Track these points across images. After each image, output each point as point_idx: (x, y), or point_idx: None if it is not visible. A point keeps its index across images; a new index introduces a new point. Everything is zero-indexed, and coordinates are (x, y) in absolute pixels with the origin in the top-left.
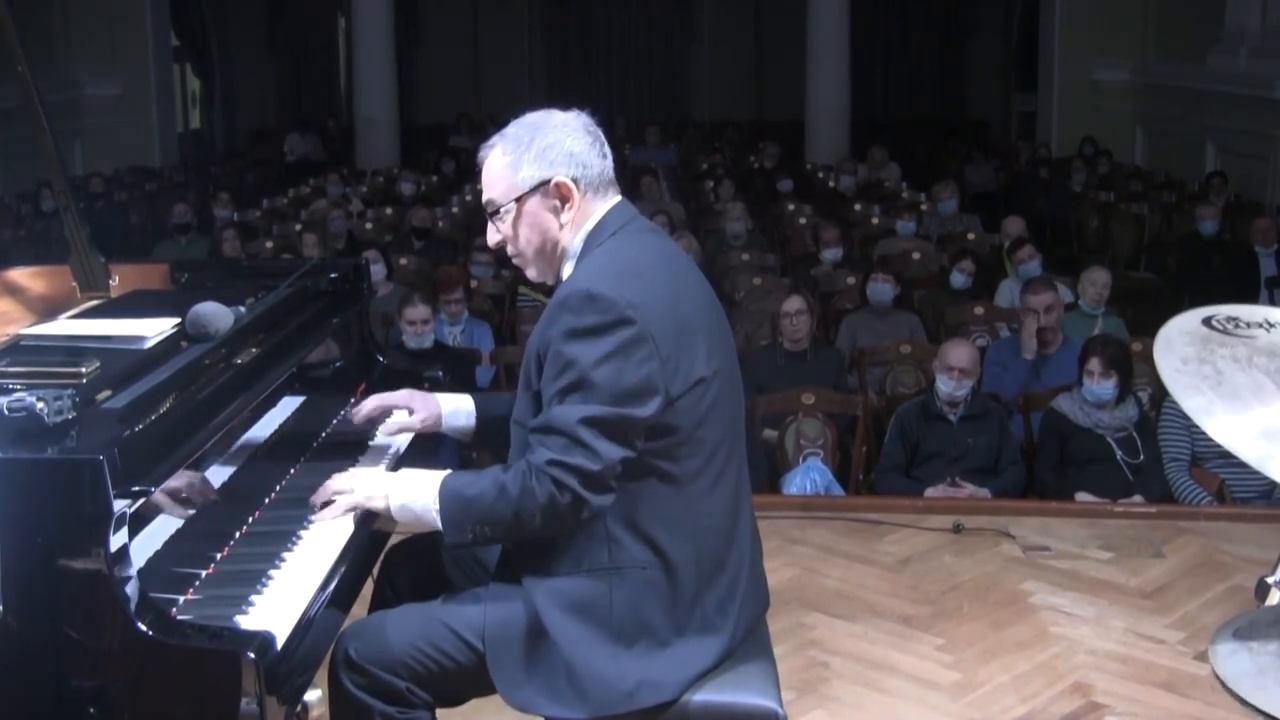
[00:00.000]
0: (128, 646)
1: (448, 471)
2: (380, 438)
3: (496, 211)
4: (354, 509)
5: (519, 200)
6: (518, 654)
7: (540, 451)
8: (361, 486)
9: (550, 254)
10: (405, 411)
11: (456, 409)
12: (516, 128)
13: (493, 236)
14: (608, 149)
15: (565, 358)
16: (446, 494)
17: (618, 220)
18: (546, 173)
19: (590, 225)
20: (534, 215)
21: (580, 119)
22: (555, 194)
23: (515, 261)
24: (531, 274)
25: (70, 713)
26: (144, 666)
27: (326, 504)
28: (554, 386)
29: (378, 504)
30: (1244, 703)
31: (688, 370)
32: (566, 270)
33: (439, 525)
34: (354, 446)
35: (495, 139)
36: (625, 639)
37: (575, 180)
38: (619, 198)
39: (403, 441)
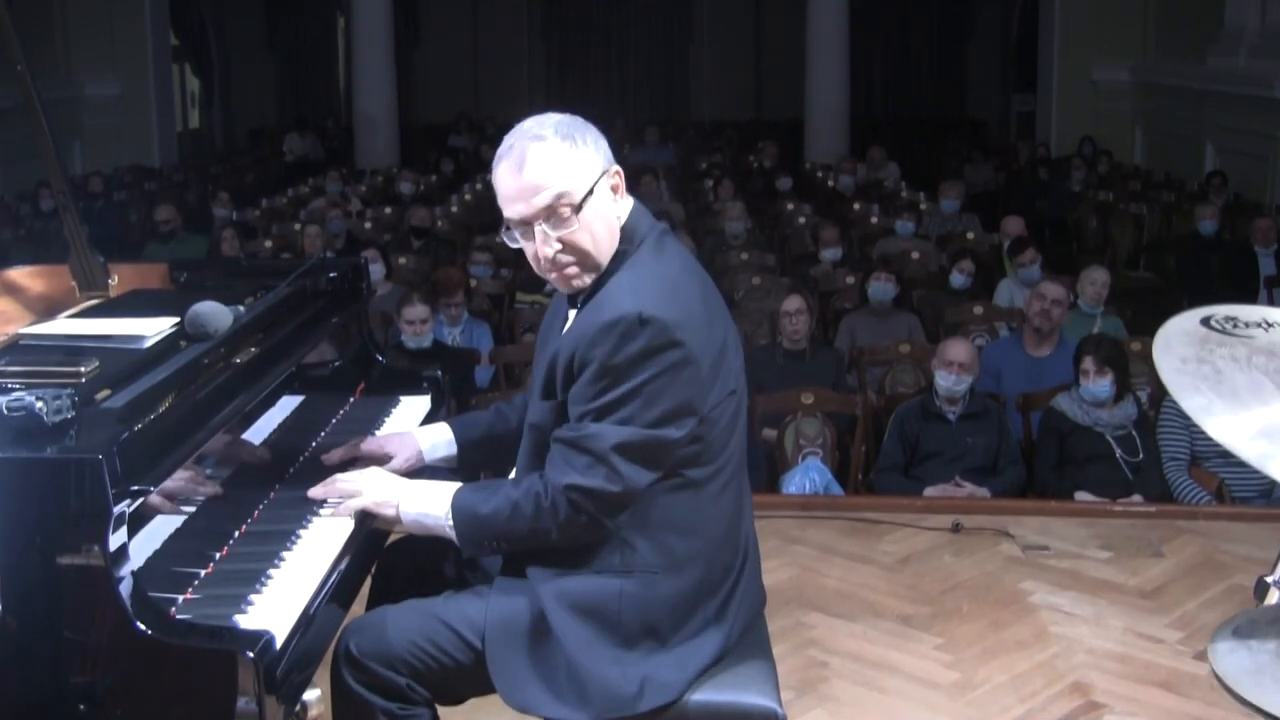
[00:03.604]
0: (126, 646)
1: (458, 485)
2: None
3: (573, 205)
4: (365, 511)
5: (593, 190)
6: (520, 654)
7: (561, 469)
8: (371, 490)
9: (605, 248)
10: (384, 458)
11: (435, 443)
12: (551, 125)
13: (547, 246)
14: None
15: (609, 379)
16: (460, 512)
17: (644, 225)
18: (606, 162)
19: (619, 226)
20: (603, 205)
21: (585, 122)
22: (613, 180)
23: (565, 272)
24: (577, 284)
25: (69, 711)
26: (143, 666)
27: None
28: (591, 404)
29: (388, 511)
30: (1242, 701)
31: (722, 386)
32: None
33: (454, 539)
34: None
35: (539, 131)
36: (629, 642)
37: (617, 173)
38: (631, 199)
39: None
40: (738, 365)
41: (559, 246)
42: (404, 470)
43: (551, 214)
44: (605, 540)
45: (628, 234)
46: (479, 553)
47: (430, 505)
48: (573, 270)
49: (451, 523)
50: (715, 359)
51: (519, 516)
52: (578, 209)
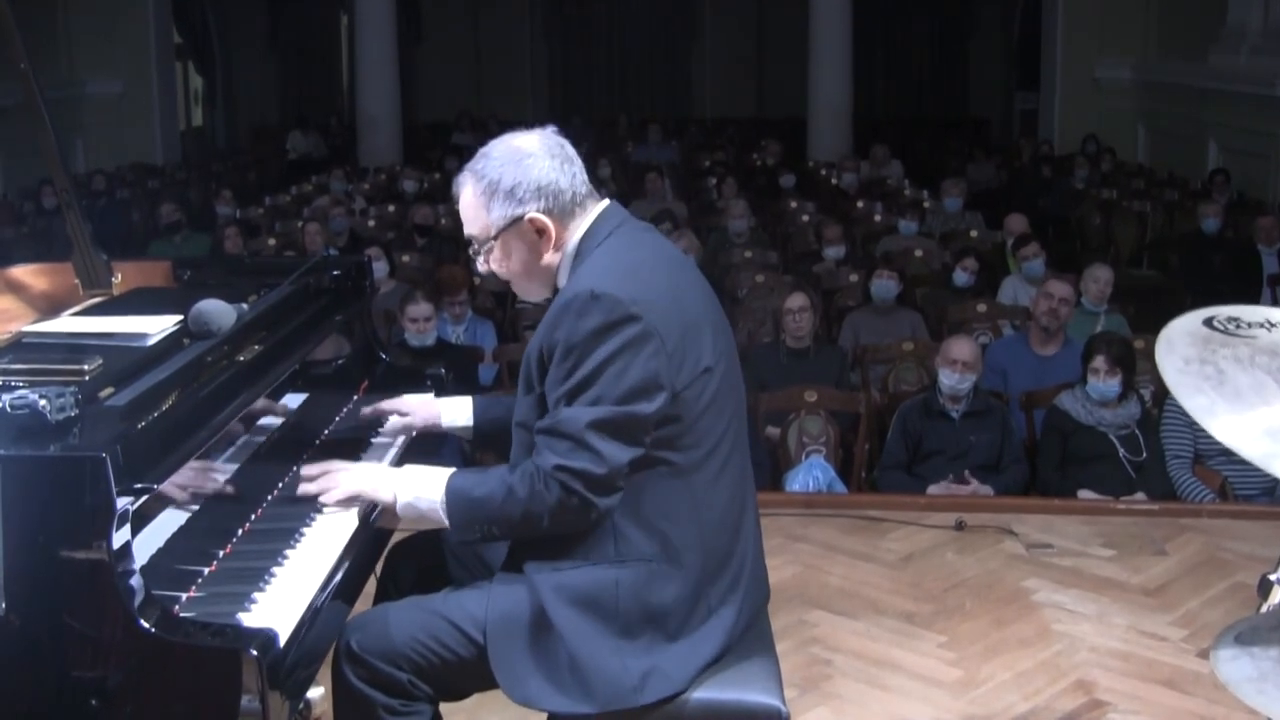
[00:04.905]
0: (130, 644)
1: (453, 470)
2: (382, 437)
3: (479, 248)
4: (357, 497)
5: (496, 238)
6: (521, 648)
7: (546, 455)
8: (366, 478)
9: (539, 275)
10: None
11: (455, 414)
12: (485, 163)
13: (480, 266)
14: (578, 164)
15: (573, 359)
16: (453, 494)
17: (610, 224)
18: (517, 210)
19: (577, 238)
20: (515, 248)
21: (546, 141)
22: (531, 229)
23: (511, 284)
24: (523, 294)
25: (72, 710)
26: (146, 664)
27: (325, 488)
28: (562, 388)
29: (383, 496)
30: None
31: (694, 362)
32: (562, 281)
33: (445, 523)
34: (357, 444)
35: (466, 174)
36: (630, 632)
37: (548, 212)
38: (604, 203)
39: (404, 441)
40: (720, 347)
41: (486, 268)
42: (421, 428)
43: (472, 244)
44: (598, 530)
45: (588, 237)
46: (469, 536)
47: (425, 489)
48: (513, 285)
49: (445, 506)
50: (683, 335)
51: (513, 500)
52: (486, 249)
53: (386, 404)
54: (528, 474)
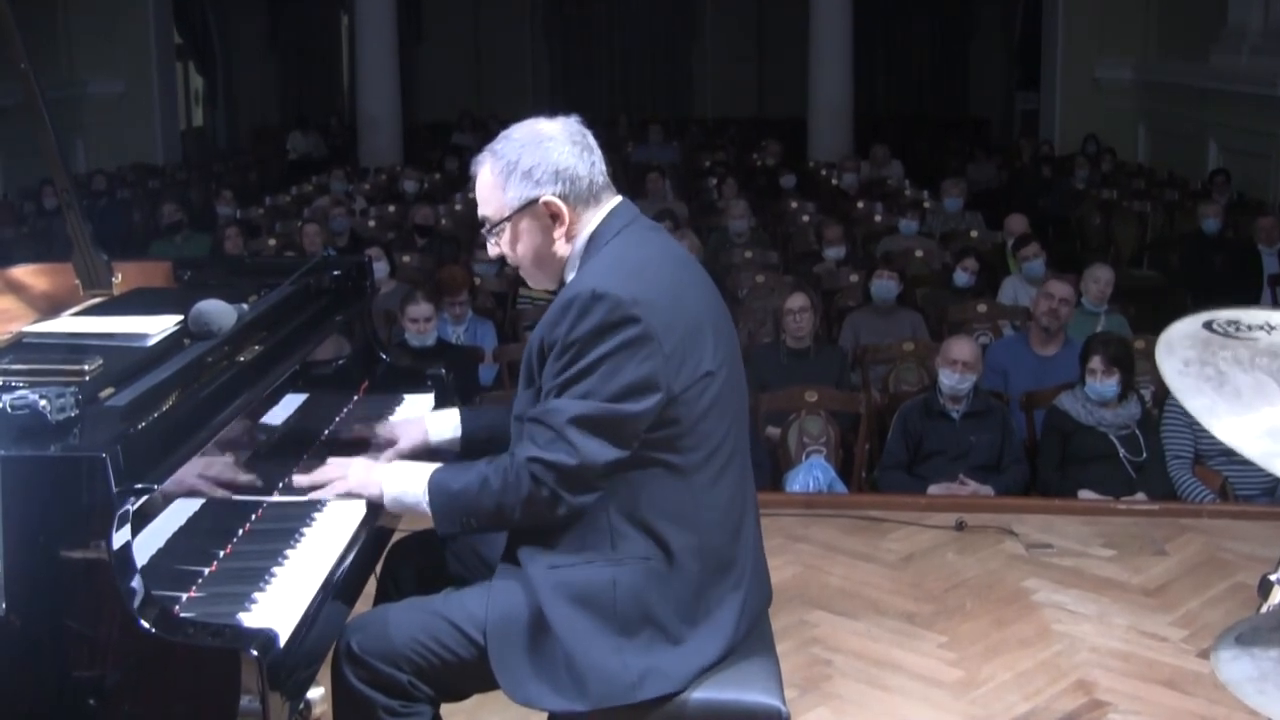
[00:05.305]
0: (130, 644)
1: (438, 465)
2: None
3: (491, 228)
4: (346, 494)
5: (510, 219)
6: (520, 648)
7: (525, 445)
8: (355, 474)
9: (548, 264)
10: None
11: (441, 427)
12: (505, 144)
13: (491, 250)
14: (597, 154)
15: (570, 354)
16: (435, 486)
17: (620, 221)
18: (533, 192)
19: (589, 231)
20: (527, 231)
21: (568, 128)
22: (545, 212)
23: (519, 270)
24: (532, 282)
25: (72, 710)
26: (146, 664)
27: (316, 486)
28: (557, 379)
29: (371, 491)
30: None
31: (694, 365)
32: (570, 275)
33: (430, 517)
34: (357, 445)
35: (485, 154)
36: (629, 631)
37: (564, 197)
38: (617, 199)
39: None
40: (723, 350)
41: (497, 251)
42: (408, 452)
43: (485, 225)
44: (596, 528)
45: (599, 234)
46: (452, 529)
47: (410, 484)
48: (522, 271)
49: (428, 498)
50: (684, 337)
51: (487, 491)
52: (498, 230)
53: (377, 429)
54: (502, 466)
